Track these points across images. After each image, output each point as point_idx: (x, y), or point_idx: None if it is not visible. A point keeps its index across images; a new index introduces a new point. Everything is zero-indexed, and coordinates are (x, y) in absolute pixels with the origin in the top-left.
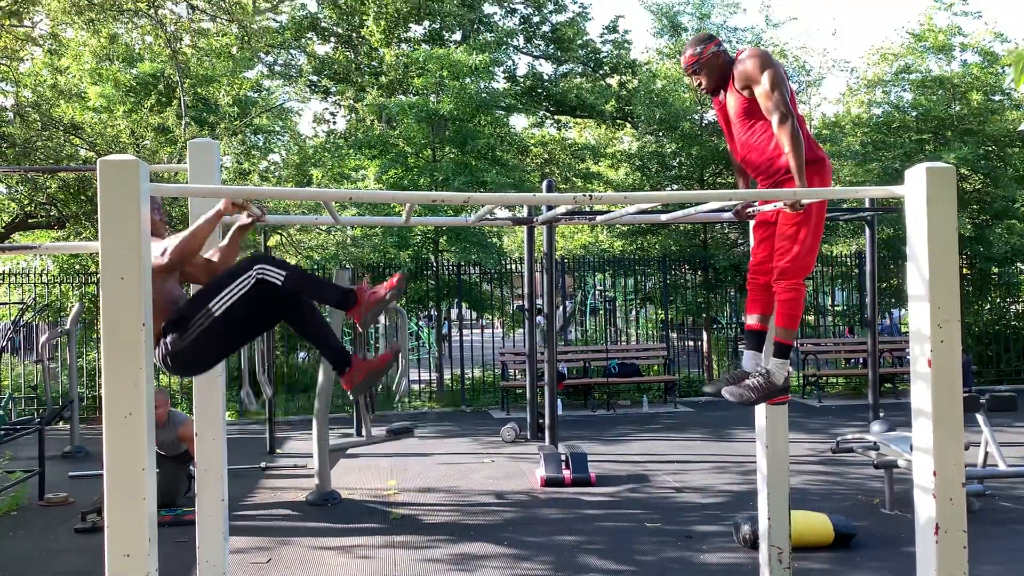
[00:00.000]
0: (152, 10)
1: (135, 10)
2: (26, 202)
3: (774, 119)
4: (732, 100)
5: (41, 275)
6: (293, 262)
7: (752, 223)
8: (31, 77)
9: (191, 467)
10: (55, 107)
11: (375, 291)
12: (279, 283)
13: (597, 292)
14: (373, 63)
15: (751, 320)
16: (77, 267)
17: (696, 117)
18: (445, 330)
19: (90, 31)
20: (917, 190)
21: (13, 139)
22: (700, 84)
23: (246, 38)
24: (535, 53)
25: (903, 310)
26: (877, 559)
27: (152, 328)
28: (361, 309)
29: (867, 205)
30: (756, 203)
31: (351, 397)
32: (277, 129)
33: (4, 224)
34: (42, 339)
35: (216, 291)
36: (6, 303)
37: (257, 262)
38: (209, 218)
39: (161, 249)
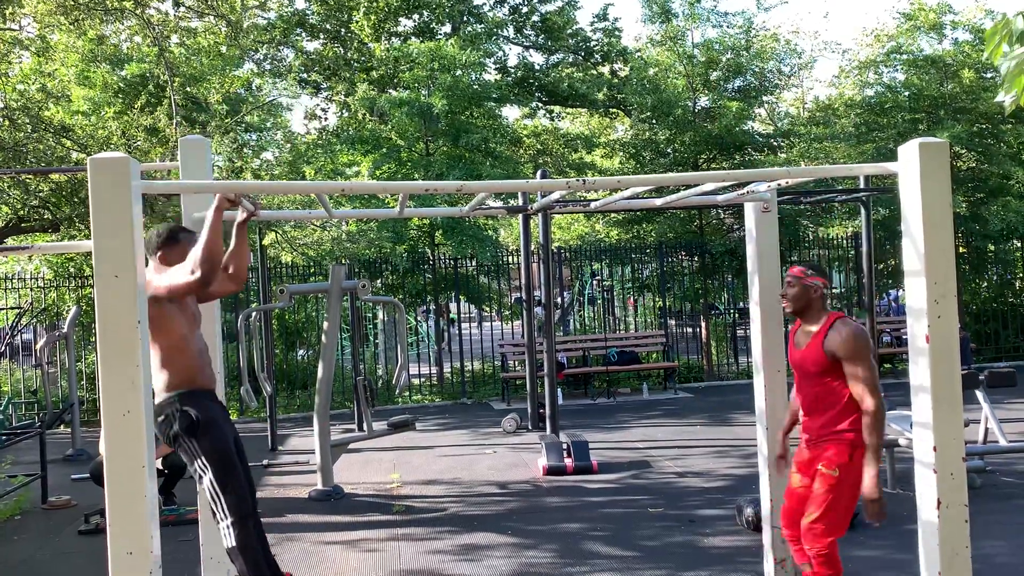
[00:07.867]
0: (139, 9)
1: (121, 10)
2: (18, 206)
3: (866, 402)
4: (813, 350)
5: (37, 279)
6: (288, 260)
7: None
8: (20, 78)
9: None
10: (44, 109)
11: None
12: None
13: (595, 282)
14: (363, 58)
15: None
16: (72, 270)
17: (689, 104)
18: (445, 325)
19: (76, 32)
20: (911, 166)
21: (3, 142)
22: (785, 296)
23: (234, 35)
24: (525, 43)
25: (902, 290)
26: (880, 537)
27: (149, 334)
28: None
29: (862, 186)
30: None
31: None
32: (269, 127)
33: None
34: (40, 343)
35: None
36: (3, 308)
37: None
38: (213, 216)
39: (187, 268)
